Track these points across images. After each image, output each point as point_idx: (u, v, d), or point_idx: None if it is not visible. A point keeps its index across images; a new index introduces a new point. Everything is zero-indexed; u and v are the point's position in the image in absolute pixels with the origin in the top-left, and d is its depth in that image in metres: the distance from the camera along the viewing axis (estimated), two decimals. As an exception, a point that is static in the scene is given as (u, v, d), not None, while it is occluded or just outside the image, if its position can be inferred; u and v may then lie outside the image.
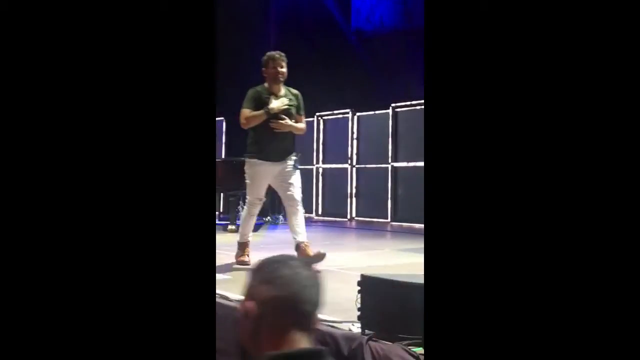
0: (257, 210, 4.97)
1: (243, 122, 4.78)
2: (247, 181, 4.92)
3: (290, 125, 4.82)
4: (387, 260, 5.50)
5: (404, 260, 5.41)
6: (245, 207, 5.05)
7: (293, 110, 4.88)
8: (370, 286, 2.65)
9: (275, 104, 4.73)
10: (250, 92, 4.85)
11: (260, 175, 4.85)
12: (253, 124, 4.78)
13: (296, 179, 4.88)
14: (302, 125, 4.93)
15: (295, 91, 4.95)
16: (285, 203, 4.93)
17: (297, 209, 4.83)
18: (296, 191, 4.86)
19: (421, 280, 2.00)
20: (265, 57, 4.87)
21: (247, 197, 4.95)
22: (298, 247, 4.76)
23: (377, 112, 10.16)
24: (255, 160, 4.83)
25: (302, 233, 4.82)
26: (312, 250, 4.77)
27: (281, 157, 4.84)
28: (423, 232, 1.81)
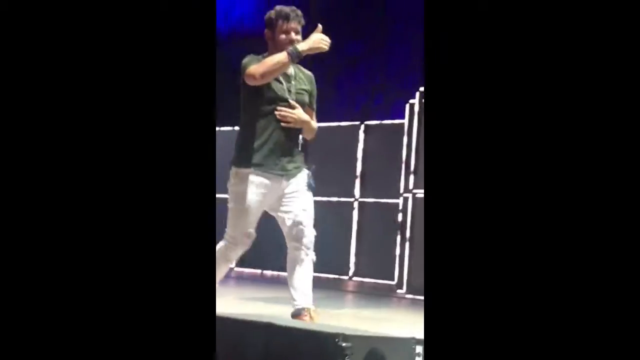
0: (237, 254, 3.49)
1: (258, 73, 3.25)
2: (229, 205, 3.42)
3: (305, 121, 3.40)
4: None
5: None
6: (220, 244, 3.40)
7: (306, 99, 3.46)
8: (225, 329, 2.31)
9: (307, 44, 3.30)
10: (253, 57, 3.38)
11: (253, 196, 3.34)
12: (273, 75, 3.32)
13: (308, 205, 3.41)
14: (315, 123, 3.52)
15: (308, 72, 3.56)
16: (288, 242, 3.40)
17: (303, 255, 3.35)
18: (306, 224, 3.37)
19: (285, 322, 2.47)
20: (271, 14, 3.42)
21: (227, 230, 3.42)
22: (299, 314, 3.32)
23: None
24: (247, 170, 3.34)
25: (306, 294, 3.36)
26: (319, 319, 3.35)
27: (288, 169, 3.39)
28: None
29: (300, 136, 3.42)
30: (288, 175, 3.35)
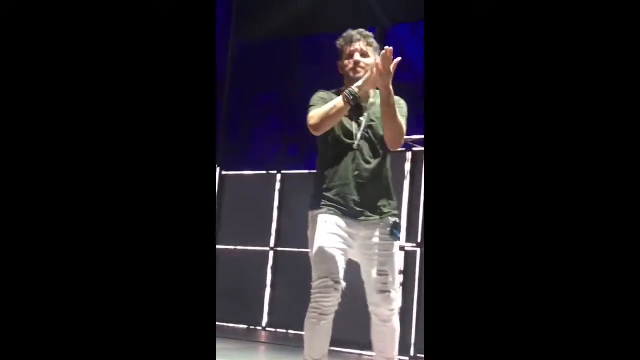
0: (330, 305, 2.74)
1: (314, 122, 2.79)
2: (310, 254, 2.87)
3: (393, 110, 2.76)
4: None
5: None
6: (311, 305, 2.80)
7: (378, 127, 2.88)
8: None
9: (362, 80, 2.77)
10: (320, 95, 2.89)
11: (329, 236, 2.78)
12: (329, 119, 2.78)
13: (394, 260, 2.86)
14: (399, 121, 2.81)
15: (395, 97, 2.83)
16: (369, 299, 2.85)
17: (386, 315, 2.84)
18: (390, 279, 2.83)
19: None
20: (339, 42, 2.94)
21: (312, 284, 2.79)
22: None
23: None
24: (319, 211, 2.86)
25: (387, 355, 2.87)
26: None
27: (371, 211, 2.85)
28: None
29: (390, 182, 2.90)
30: (371, 218, 2.83)
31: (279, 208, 7.18)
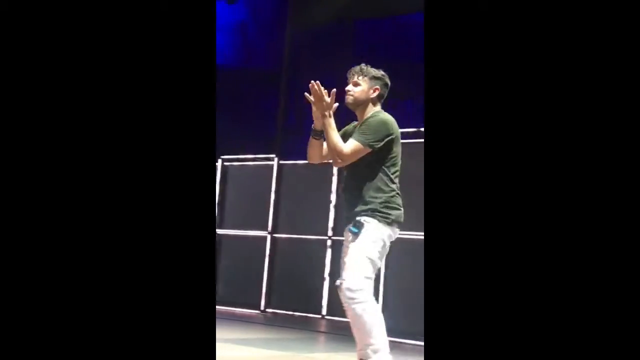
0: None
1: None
2: None
3: (329, 130, 3.17)
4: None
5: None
6: None
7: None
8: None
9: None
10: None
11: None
12: (309, 154, 3.35)
13: (351, 251, 3.12)
14: (340, 145, 3.14)
15: (375, 117, 3.23)
16: None
17: (343, 301, 3.05)
18: (345, 271, 3.10)
19: None
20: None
21: None
22: None
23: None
24: None
25: (360, 348, 3.03)
26: None
27: (349, 218, 3.24)
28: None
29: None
30: (348, 220, 3.21)
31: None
